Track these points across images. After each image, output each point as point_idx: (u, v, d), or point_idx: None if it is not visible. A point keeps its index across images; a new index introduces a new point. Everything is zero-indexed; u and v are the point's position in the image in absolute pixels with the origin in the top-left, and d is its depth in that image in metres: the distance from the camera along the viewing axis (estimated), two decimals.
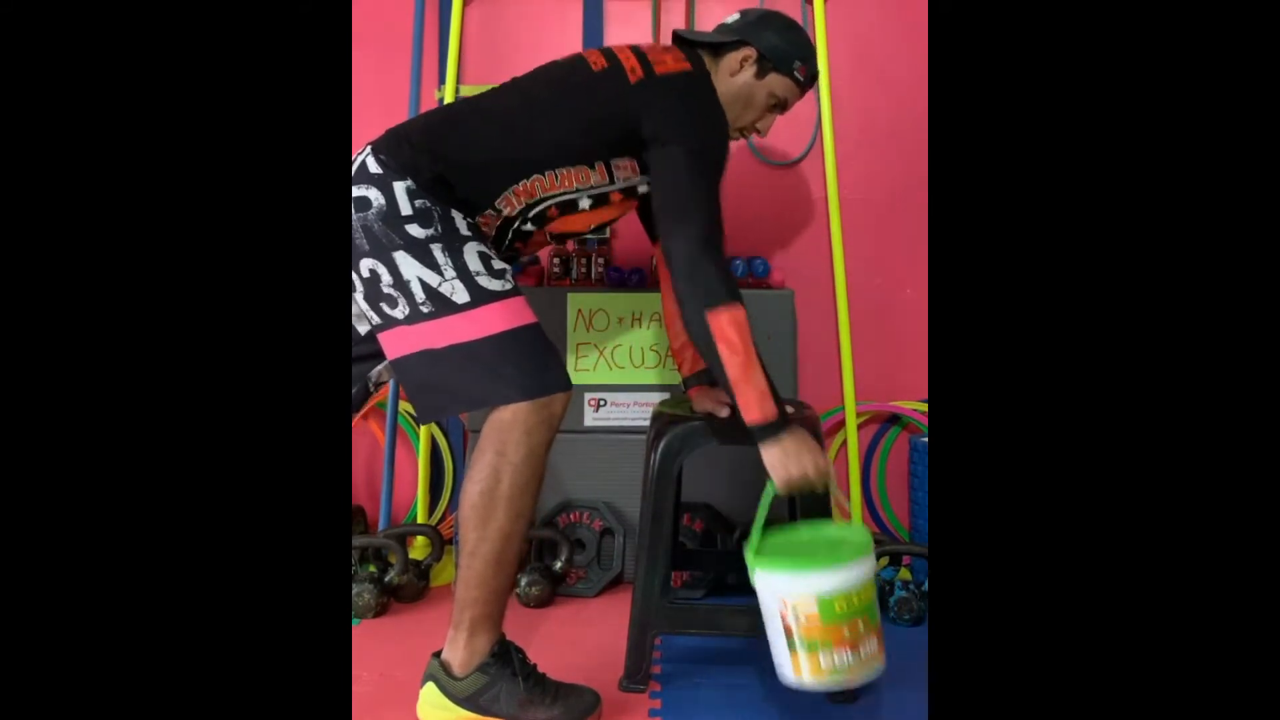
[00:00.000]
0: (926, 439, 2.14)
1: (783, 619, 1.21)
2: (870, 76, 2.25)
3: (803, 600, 1.18)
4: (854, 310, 2.19)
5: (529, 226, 1.44)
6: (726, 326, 1.27)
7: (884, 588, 1.81)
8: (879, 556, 1.87)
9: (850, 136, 2.23)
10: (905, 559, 1.96)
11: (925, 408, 2.21)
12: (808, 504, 1.42)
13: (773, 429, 1.29)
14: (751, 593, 1.28)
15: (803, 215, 2.28)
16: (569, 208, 1.42)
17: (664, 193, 1.33)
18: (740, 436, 1.43)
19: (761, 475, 1.31)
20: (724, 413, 1.48)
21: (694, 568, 1.88)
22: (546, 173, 1.37)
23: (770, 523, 1.31)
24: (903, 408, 2.22)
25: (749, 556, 1.27)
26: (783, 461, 1.29)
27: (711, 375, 1.60)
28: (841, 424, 2.21)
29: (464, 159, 1.35)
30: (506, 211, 1.39)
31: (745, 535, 1.90)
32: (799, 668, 1.20)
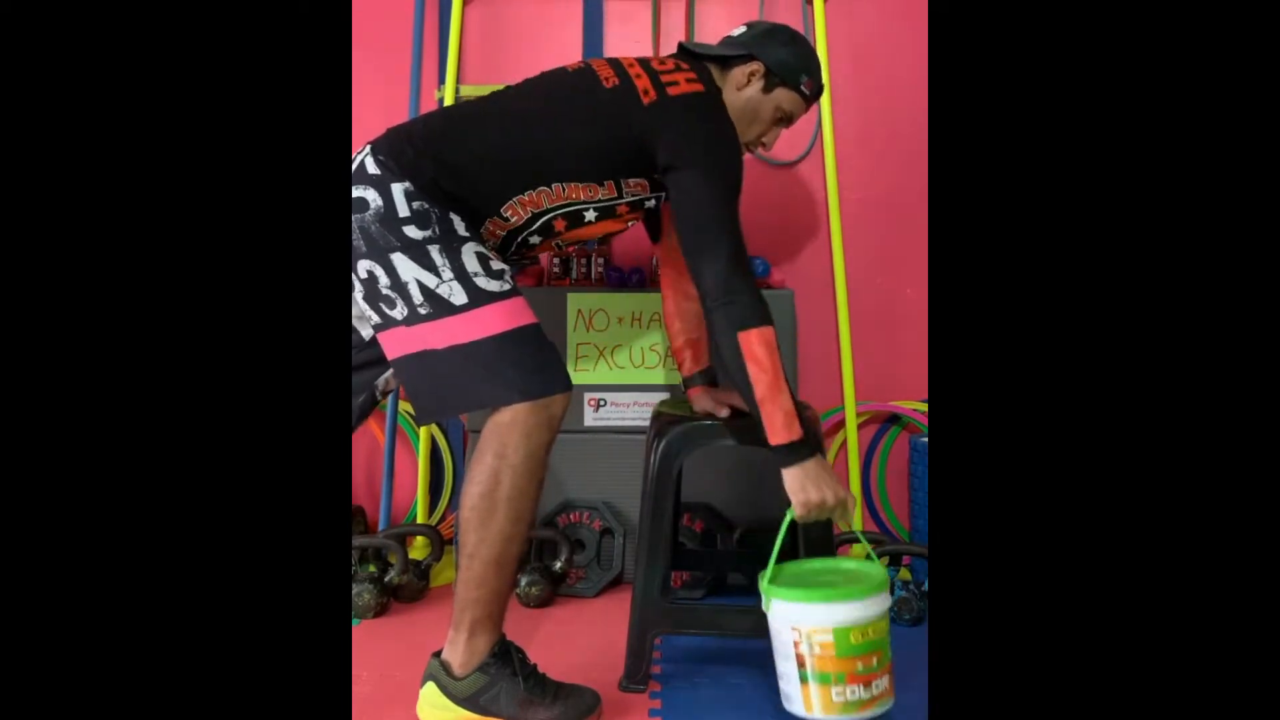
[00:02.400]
0: (926, 439, 2.14)
1: (796, 649, 1.21)
2: (870, 77, 2.25)
3: (817, 630, 1.19)
4: (854, 310, 2.19)
5: (535, 239, 1.43)
6: (757, 346, 1.28)
7: None
8: (878, 557, 1.87)
9: (850, 136, 2.23)
10: (905, 559, 1.96)
11: (925, 408, 2.21)
12: (810, 538, 1.40)
13: (797, 451, 1.29)
14: (751, 593, 1.28)
15: (803, 215, 2.28)
16: (575, 220, 1.42)
17: (687, 217, 1.33)
18: (740, 436, 1.44)
19: (762, 473, 1.31)
20: (724, 413, 1.48)
21: (694, 568, 1.88)
22: (554, 185, 1.37)
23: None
24: (903, 408, 2.22)
25: (763, 585, 1.27)
26: (803, 485, 1.29)
27: (712, 375, 1.61)
28: (841, 424, 2.21)
29: (469, 168, 1.35)
30: (514, 221, 1.39)
31: (745, 535, 1.92)
32: (809, 702, 1.21)
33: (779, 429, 1.29)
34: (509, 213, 1.38)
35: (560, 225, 1.42)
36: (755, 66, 1.45)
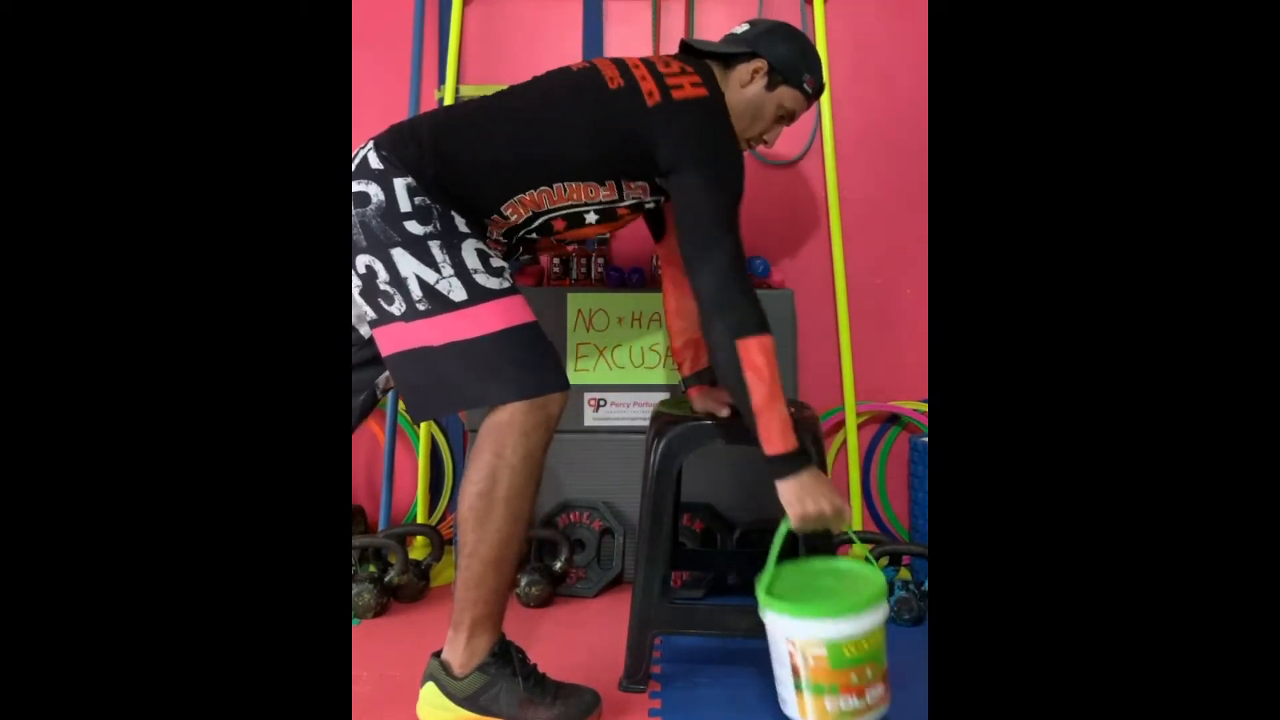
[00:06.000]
0: (926, 439, 2.14)
1: (790, 659, 1.21)
2: (870, 77, 2.25)
3: (811, 643, 1.19)
4: (854, 310, 2.19)
5: (533, 235, 1.44)
6: (755, 354, 1.28)
7: None
8: (879, 557, 1.87)
9: (850, 136, 2.23)
10: (905, 559, 1.96)
11: (925, 408, 2.21)
12: (812, 542, 1.40)
13: (793, 463, 1.29)
14: (750, 593, 1.28)
15: (803, 215, 2.28)
16: (575, 220, 1.42)
17: (686, 221, 1.33)
18: (739, 436, 1.44)
19: (762, 474, 1.31)
20: (724, 413, 1.48)
21: (694, 568, 1.88)
22: (555, 185, 1.37)
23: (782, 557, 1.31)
24: (903, 408, 2.22)
25: (760, 594, 1.27)
26: (799, 497, 1.28)
27: (712, 375, 1.61)
28: (841, 424, 2.21)
29: (472, 166, 1.35)
30: (513, 219, 1.39)
31: (745, 535, 1.92)
32: (804, 710, 1.22)
33: (775, 439, 1.29)
34: (509, 211, 1.38)
35: (560, 225, 1.42)
36: (759, 64, 1.45)
